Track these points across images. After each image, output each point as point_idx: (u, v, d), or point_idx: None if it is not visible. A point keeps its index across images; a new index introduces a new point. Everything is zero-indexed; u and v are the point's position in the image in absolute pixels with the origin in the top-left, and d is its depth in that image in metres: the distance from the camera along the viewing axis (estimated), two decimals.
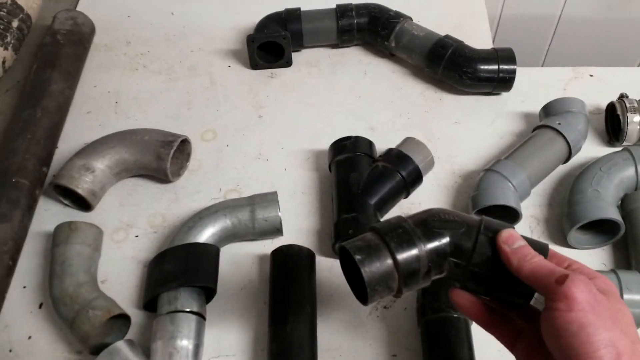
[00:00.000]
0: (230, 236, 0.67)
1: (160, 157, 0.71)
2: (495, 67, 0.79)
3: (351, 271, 0.46)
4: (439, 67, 0.81)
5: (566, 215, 0.66)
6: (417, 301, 0.61)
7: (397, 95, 0.84)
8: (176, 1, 0.97)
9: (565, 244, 0.67)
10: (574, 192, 0.67)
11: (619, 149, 0.71)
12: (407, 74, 0.87)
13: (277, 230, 0.67)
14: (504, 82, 0.80)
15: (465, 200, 0.72)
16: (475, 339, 0.58)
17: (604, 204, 0.64)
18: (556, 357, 0.39)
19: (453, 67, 0.80)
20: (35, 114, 0.74)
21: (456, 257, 0.45)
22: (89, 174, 0.69)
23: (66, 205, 0.72)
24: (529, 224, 0.70)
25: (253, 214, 0.66)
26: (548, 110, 0.75)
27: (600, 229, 0.66)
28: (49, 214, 0.72)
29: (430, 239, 0.44)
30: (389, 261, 0.43)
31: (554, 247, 0.47)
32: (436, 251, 0.44)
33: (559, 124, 0.71)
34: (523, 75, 0.82)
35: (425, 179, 0.71)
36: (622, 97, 0.75)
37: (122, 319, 0.61)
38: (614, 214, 0.63)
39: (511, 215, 0.67)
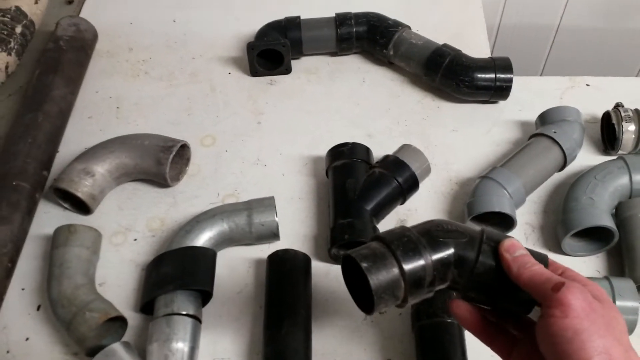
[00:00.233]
0: (228, 240, 0.67)
1: (160, 161, 0.72)
2: (492, 75, 0.80)
3: (354, 280, 0.46)
4: (436, 75, 0.82)
5: (560, 222, 0.66)
6: (411, 306, 0.62)
7: (395, 103, 0.85)
8: (178, 9, 0.98)
9: (560, 251, 0.67)
10: (569, 200, 0.67)
11: (614, 157, 0.72)
12: (405, 82, 0.88)
13: (274, 235, 0.68)
14: (501, 91, 0.80)
15: (461, 207, 0.72)
16: (468, 344, 0.58)
17: (598, 211, 0.64)
18: None
19: (450, 75, 0.81)
20: (36, 119, 0.75)
21: (460, 266, 0.45)
22: (89, 177, 0.70)
23: (66, 208, 0.73)
24: (524, 231, 0.71)
25: (250, 219, 0.67)
26: (544, 118, 0.76)
27: (595, 237, 0.67)
28: (48, 217, 0.73)
29: (435, 248, 0.45)
30: (396, 270, 0.43)
31: (548, 255, 0.48)
32: (441, 260, 0.45)
33: (555, 132, 0.72)
34: (520, 84, 0.83)
35: (421, 185, 0.72)
36: (618, 106, 0.76)
37: (119, 322, 0.62)
38: (608, 222, 0.63)
39: (506, 222, 0.68)
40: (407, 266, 0.43)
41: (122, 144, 0.73)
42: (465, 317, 0.48)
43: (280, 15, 0.88)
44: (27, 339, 0.63)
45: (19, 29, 0.86)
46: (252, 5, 0.98)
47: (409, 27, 0.87)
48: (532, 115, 0.78)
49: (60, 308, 0.60)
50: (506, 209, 0.65)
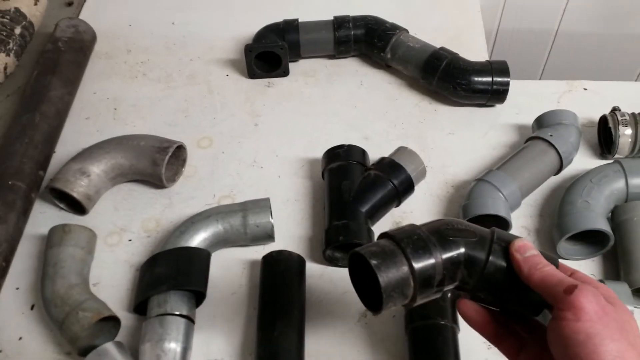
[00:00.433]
0: (222, 241, 0.67)
1: (156, 162, 0.72)
2: (489, 79, 0.80)
3: (361, 278, 0.46)
4: (433, 78, 0.82)
5: (556, 225, 0.66)
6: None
7: (392, 106, 0.85)
8: (177, 11, 0.98)
9: (555, 254, 0.67)
10: (564, 203, 0.67)
11: (611, 161, 0.72)
12: (402, 85, 0.88)
13: (269, 236, 0.68)
14: (497, 94, 0.80)
15: (456, 209, 0.72)
16: (462, 347, 0.58)
17: (594, 215, 0.64)
18: None
19: (447, 78, 0.81)
20: (33, 119, 0.75)
21: (469, 266, 0.45)
22: (85, 178, 0.70)
23: (62, 208, 0.73)
24: (520, 235, 0.70)
25: (245, 220, 0.66)
26: (540, 122, 0.76)
27: (590, 240, 0.66)
28: (44, 217, 0.73)
29: (445, 247, 0.44)
30: (405, 268, 0.43)
31: None
32: (451, 259, 0.44)
33: (551, 135, 0.72)
34: (517, 87, 0.83)
35: (417, 188, 0.72)
36: (615, 110, 0.76)
37: (112, 322, 0.62)
38: (603, 225, 0.63)
39: (501, 225, 0.67)
40: (417, 264, 0.43)
41: (118, 145, 0.73)
42: (473, 317, 0.47)
43: (278, 18, 0.89)
44: (20, 338, 0.63)
45: (18, 30, 0.87)
46: (251, 7, 0.98)
47: (406, 31, 0.88)
48: (529, 119, 0.78)
49: (53, 307, 0.60)
50: (501, 212, 0.65)
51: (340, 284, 0.67)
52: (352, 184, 0.69)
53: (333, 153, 0.73)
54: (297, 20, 0.87)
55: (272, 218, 0.67)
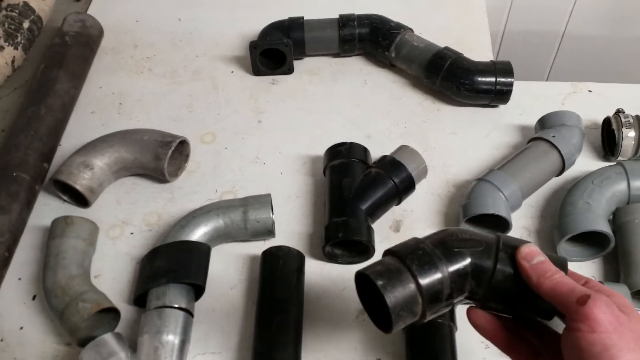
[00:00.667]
0: (223, 236, 0.68)
1: (159, 157, 0.72)
2: (492, 79, 0.80)
3: (370, 298, 0.45)
4: (437, 78, 0.82)
5: (556, 226, 0.66)
6: None
7: (395, 105, 0.85)
8: (184, 8, 0.99)
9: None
10: (565, 204, 0.67)
11: (613, 163, 0.72)
12: (406, 84, 0.88)
13: (269, 232, 0.68)
14: (501, 95, 0.80)
15: (457, 209, 0.72)
16: (459, 345, 0.58)
17: (594, 216, 0.64)
18: None
19: (451, 78, 0.81)
20: (39, 111, 0.76)
21: (477, 276, 0.44)
22: (88, 170, 0.71)
23: (65, 201, 0.74)
24: (520, 235, 0.70)
25: (245, 215, 0.67)
26: (543, 123, 0.76)
27: (591, 242, 0.66)
28: (48, 209, 0.73)
29: (451, 259, 0.44)
30: (412, 285, 0.42)
31: None
32: (458, 272, 0.43)
33: (554, 136, 0.72)
34: (521, 88, 0.83)
35: (418, 187, 0.72)
36: (618, 112, 0.75)
37: (112, 313, 0.62)
38: (604, 227, 0.63)
39: (501, 225, 0.67)
40: (424, 281, 0.42)
41: (122, 139, 0.74)
42: (484, 326, 0.47)
43: (284, 16, 0.89)
44: (21, 328, 0.64)
45: (26, 24, 0.87)
46: (257, 5, 0.99)
47: (411, 30, 0.88)
48: (533, 120, 0.78)
49: (54, 298, 0.61)
50: (501, 212, 0.65)
51: (339, 280, 0.67)
52: (353, 181, 0.69)
53: (335, 150, 0.73)
54: (302, 18, 0.88)
55: (272, 214, 0.67)
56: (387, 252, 0.45)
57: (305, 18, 0.88)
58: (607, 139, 0.76)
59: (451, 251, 0.44)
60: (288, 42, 0.85)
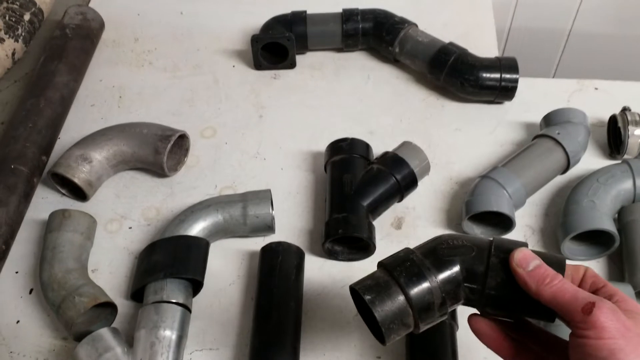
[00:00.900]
0: (222, 231, 0.67)
1: (158, 150, 0.71)
2: (497, 75, 0.78)
3: (366, 311, 0.45)
4: (441, 73, 0.81)
5: (561, 224, 0.65)
6: None
7: (398, 101, 0.84)
8: (185, 1, 0.98)
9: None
10: (570, 202, 0.66)
11: (619, 161, 0.70)
12: (410, 80, 0.87)
13: (269, 228, 0.67)
14: (506, 91, 0.79)
15: (460, 206, 0.71)
16: (461, 345, 0.57)
17: (599, 214, 0.63)
18: None
19: (455, 74, 0.80)
20: (38, 104, 0.75)
21: (470, 282, 0.44)
22: (86, 164, 0.70)
23: (63, 194, 0.73)
24: (524, 233, 0.69)
25: (245, 210, 0.66)
26: (548, 120, 0.74)
27: (595, 241, 0.65)
28: (46, 202, 0.73)
29: (441, 268, 0.43)
30: (401, 297, 0.42)
31: None
32: (448, 280, 0.43)
33: (559, 133, 0.71)
34: (527, 85, 0.82)
35: (421, 183, 0.71)
36: (625, 110, 0.74)
37: (109, 308, 0.62)
38: (609, 226, 0.62)
39: (505, 223, 0.66)
40: (412, 291, 0.42)
41: (121, 132, 0.73)
42: (487, 334, 0.46)
43: (287, 9, 0.88)
44: (17, 321, 0.63)
45: (27, 17, 0.87)
46: None
47: (415, 25, 0.86)
48: (538, 117, 0.77)
49: (50, 291, 0.60)
50: (504, 209, 0.64)
51: (338, 277, 0.66)
52: (354, 177, 0.68)
53: (336, 146, 0.72)
54: (305, 11, 0.87)
55: (272, 210, 0.67)
56: (379, 265, 0.46)
57: (308, 12, 0.87)
58: (613, 136, 0.75)
59: (441, 260, 0.44)
60: (290, 36, 0.84)
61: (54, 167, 0.70)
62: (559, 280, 0.41)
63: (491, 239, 0.45)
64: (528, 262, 0.42)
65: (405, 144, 0.72)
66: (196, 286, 0.63)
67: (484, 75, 0.79)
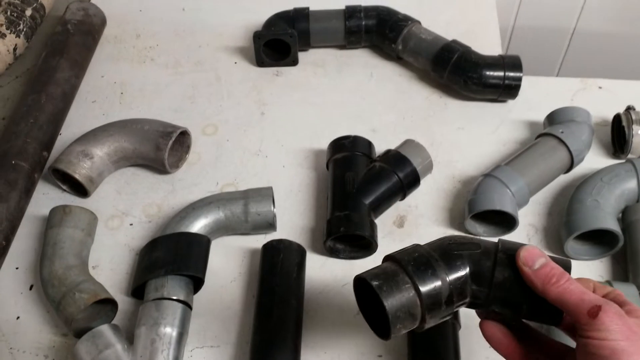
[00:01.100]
0: (223, 228, 0.66)
1: (159, 147, 0.71)
2: (501, 73, 0.78)
3: (370, 305, 0.44)
4: (444, 71, 0.80)
5: (564, 224, 0.65)
6: None
7: (401, 99, 0.84)
8: None
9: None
10: (573, 201, 0.65)
11: (623, 161, 0.70)
12: (413, 77, 0.86)
13: (270, 225, 0.67)
14: (509, 89, 0.79)
15: (462, 205, 0.71)
16: (463, 345, 0.57)
17: (603, 214, 0.62)
18: None
19: (458, 72, 0.79)
20: (39, 100, 0.75)
21: (477, 279, 0.43)
22: (88, 160, 0.70)
23: (64, 190, 0.73)
24: (527, 232, 0.69)
25: (246, 208, 0.66)
26: (552, 118, 0.74)
27: (599, 241, 0.65)
28: (47, 198, 0.73)
29: (449, 262, 0.43)
30: (409, 285, 0.42)
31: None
32: (456, 274, 0.43)
33: (562, 132, 0.70)
34: (531, 83, 0.82)
35: (423, 182, 0.71)
36: (629, 109, 0.74)
37: (110, 305, 0.61)
38: (613, 225, 0.61)
39: (508, 222, 0.66)
40: (421, 281, 0.42)
41: (122, 128, 0.73)
42: (499, 338, 0.45)
43: (289, 6, 0.88)
44: (17, 317, 0.63)
45: (29, 12, 0.86)
46: None
47: (419, 22, 0.86)
48: (541, 116, 0.77)
49: (50, 287, 0.60)
50: (507, 208, 0.64)
51: (340, 275, 0.66)
52: (357, 175, 0.68)
53: (338, 143, 0.72)
54: (307, 8, 0.86)
55: (274, 207, 0.66)
56: (386, 258, 0.45)
57: (310, 8, 0.87)
58: (617, 136, 0.75)
59: (449, 254, 0.44)
60: (293, 33, 0.83)
61: (55, 163, 0.70)
62: (565, 280, 0.41)
63: (498, 239, 0.45)
64: (534, 260, 0.42)
65: (408, 142, 0.71)
66: (197, 283, 0.63)
67: (488, 73, 0.78)
